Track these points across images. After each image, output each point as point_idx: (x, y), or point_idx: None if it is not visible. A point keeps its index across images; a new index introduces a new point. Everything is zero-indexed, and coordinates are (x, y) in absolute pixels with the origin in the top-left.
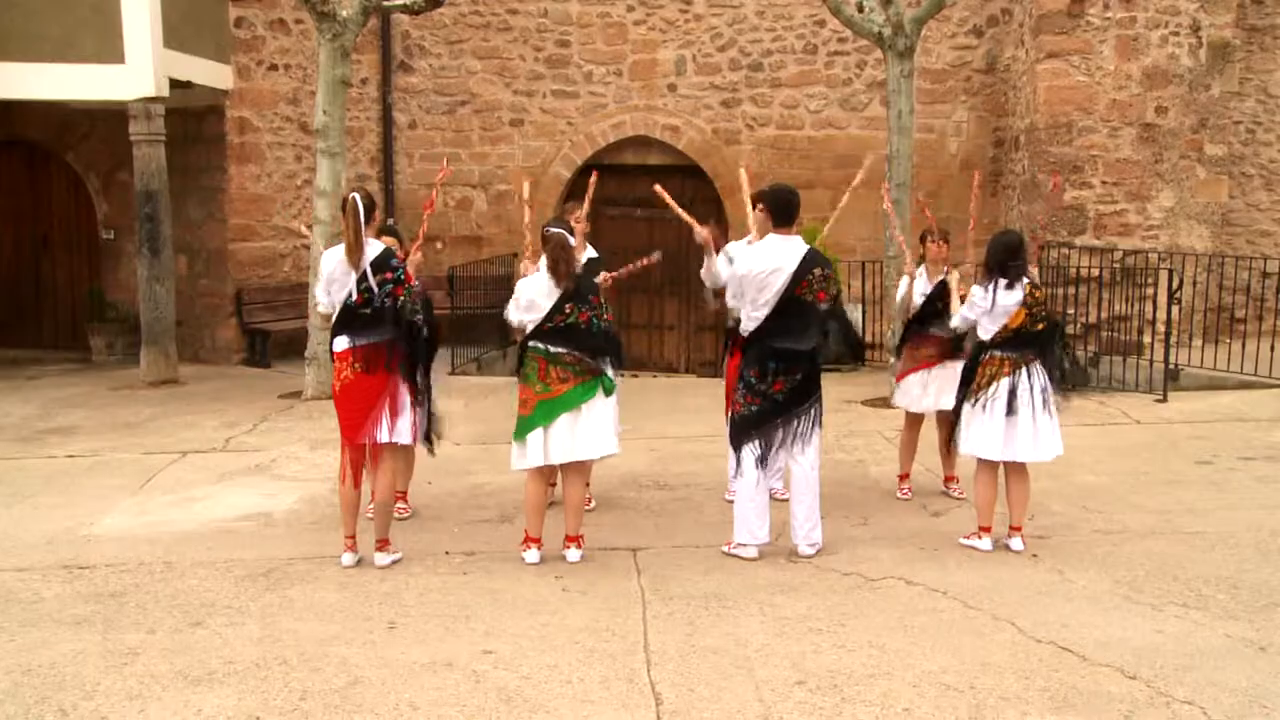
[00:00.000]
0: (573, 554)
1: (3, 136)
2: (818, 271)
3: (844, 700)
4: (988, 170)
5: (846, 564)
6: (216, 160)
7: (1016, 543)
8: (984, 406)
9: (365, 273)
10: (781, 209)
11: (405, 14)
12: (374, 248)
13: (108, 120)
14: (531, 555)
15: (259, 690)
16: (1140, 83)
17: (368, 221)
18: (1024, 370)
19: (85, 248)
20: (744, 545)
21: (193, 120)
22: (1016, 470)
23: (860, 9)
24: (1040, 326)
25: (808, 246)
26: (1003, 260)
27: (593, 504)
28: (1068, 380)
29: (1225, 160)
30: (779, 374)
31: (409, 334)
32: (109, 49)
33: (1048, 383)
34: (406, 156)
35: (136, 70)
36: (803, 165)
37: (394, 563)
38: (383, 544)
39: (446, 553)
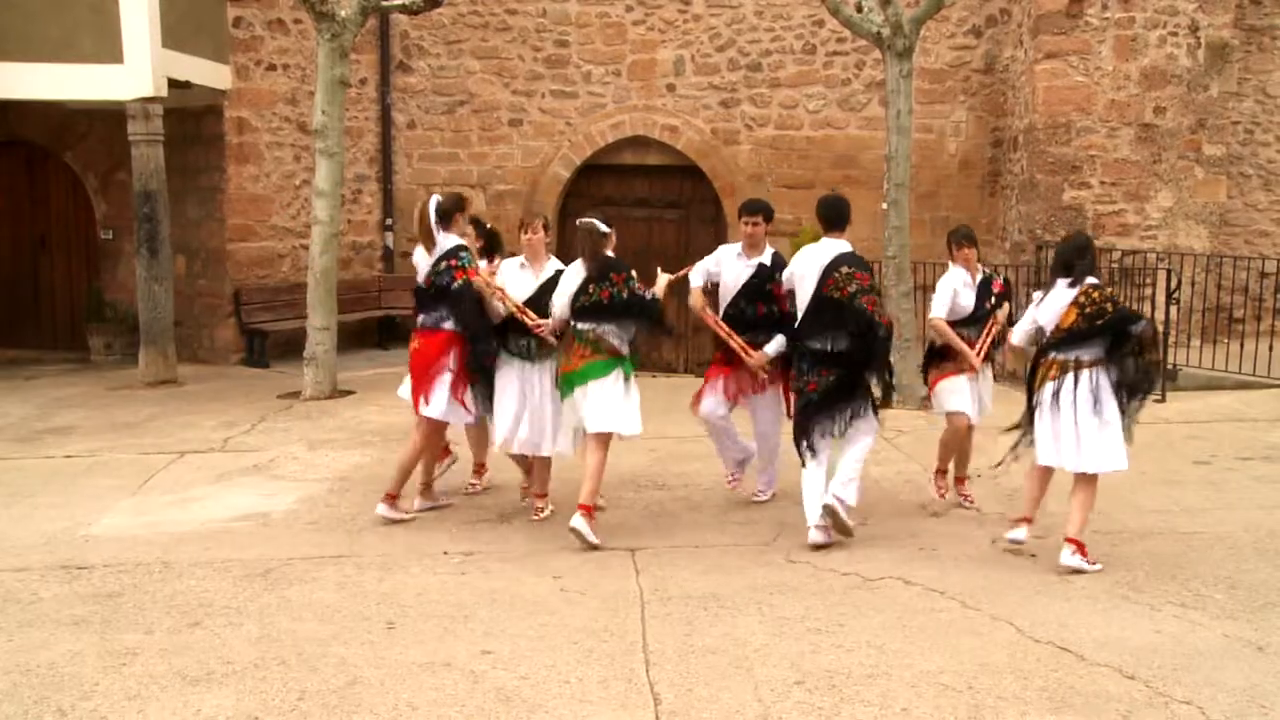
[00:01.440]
0: (576, 520)
1: (1, 136)
2: (844, 269)
3: (842, 700)
4: (986, 170)
5: (845, 564)
6: (215, 160)
7: (1065, 554)
8: (1036, 411)
9: (435, 260)
10: (830, 215)
11: (404, 14)
12: (448, 240)
13: (106, 120)
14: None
15: (257, 690)
16: (1139, 83)
17: (450, 220)
18: (1073, 374)
19: (84, 248)
20: (815, 527)
21: (191, 120)
22: (1081, 477)
23: (859, 9)
24: (1099, 323)
25: (847, 248)
26: (1070, 260)
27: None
28: (1140, 387)
29: (1224, 160)
30: (812, 373)
31: (468, 313)
32: (107, 49)
33: (1102, 388)
34: (405, 156)
35: (135, 70)
36: (801, 165)
37: (393, 521)
38: (391, 498)
39: (445, 553)
